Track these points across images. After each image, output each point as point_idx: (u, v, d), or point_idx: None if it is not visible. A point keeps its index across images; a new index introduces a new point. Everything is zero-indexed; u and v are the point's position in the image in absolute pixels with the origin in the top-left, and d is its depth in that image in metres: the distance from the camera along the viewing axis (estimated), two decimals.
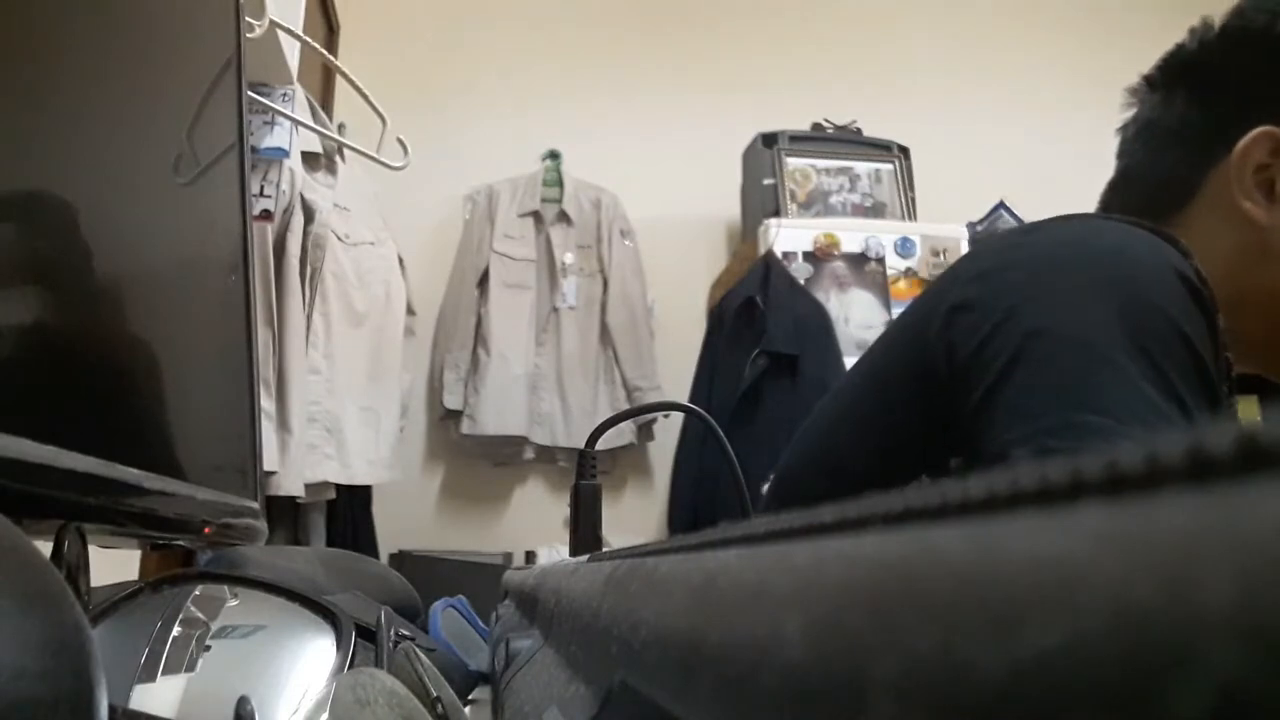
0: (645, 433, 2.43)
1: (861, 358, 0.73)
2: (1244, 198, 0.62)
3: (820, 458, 0.71)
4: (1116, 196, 0.71)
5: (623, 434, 2.33)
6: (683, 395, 2.23)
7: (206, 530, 0.46)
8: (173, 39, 0.50)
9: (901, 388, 0.62)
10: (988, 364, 0.54)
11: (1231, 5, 0.65)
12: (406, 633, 0.57)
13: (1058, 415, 0.50)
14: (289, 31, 1.38)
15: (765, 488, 1.41)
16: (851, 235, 2.22)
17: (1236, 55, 0.63)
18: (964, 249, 2.24)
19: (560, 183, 2.50)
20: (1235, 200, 0.62)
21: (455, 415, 2.34)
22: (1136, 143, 0.70)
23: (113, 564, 0.47)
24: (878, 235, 2.22)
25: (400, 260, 2.02)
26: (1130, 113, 0.71)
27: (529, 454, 2.37)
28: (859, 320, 2.16)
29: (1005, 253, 0.61)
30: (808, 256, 2.19)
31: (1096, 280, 0.55)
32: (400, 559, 2.09)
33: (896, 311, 2.18)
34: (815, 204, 2.35)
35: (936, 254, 2.22)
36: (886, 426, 0.64)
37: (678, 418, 2.34)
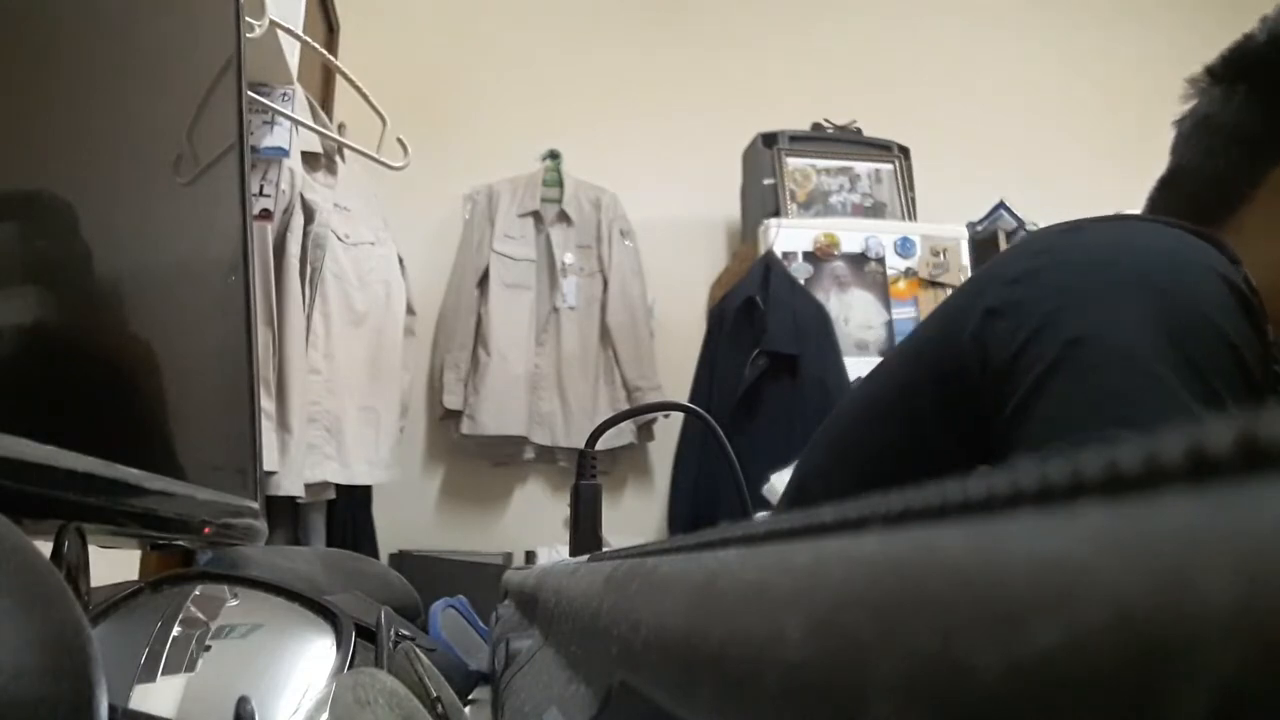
0: (645, 433, 2.43)
1: (889, 356, 0.71)
2: None
3: (846, 457, 0.69)
4: (1165, 195, 0.67)
5: (623, 434, 2.33)
6: (683, 395, 2.23)
7: (206, 530, 0.46)
8: (173, 39, 0.50)
9: (932, 390, 0.60)
10: (1025, 371, 0.52)
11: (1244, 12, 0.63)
12: (406, 633, 0.57)
13: (1095, 430, 0.48)
14: (289, 31, 1.38)
15: (765, 488, 1.40)
16: (851, 235, 2.22)
17: None
18: (964, 249, 2.25)
19: (560, 183, 2.50)
20: None
21: (455, 415, 2.34)
22: (1191, 139, 0.66)
23: (113, 564, 0.47)
24: (878, 235, 2.23)
25: (400, 260, 2.02)
26: (1188, 105, 0.66)
27: (529, 454, 2.37)
28: (859, 320, 2.16)
29: (1045, 254, 0.59)
30: (808, 256, 2.19)
31: (1139, 286, 0.52)
32: (400, 559, 2.09)
33: (896, 312, 2.18)
34: (815, 204, 2.35)
35: (936, 254, 2.22)
36: (914, 428, 0.62)
37: (678, 418, 2.34)
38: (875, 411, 0.67)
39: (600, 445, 0.61)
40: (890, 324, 2.17)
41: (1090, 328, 0.51)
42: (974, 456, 0.56)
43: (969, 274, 2.05)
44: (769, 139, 2.38)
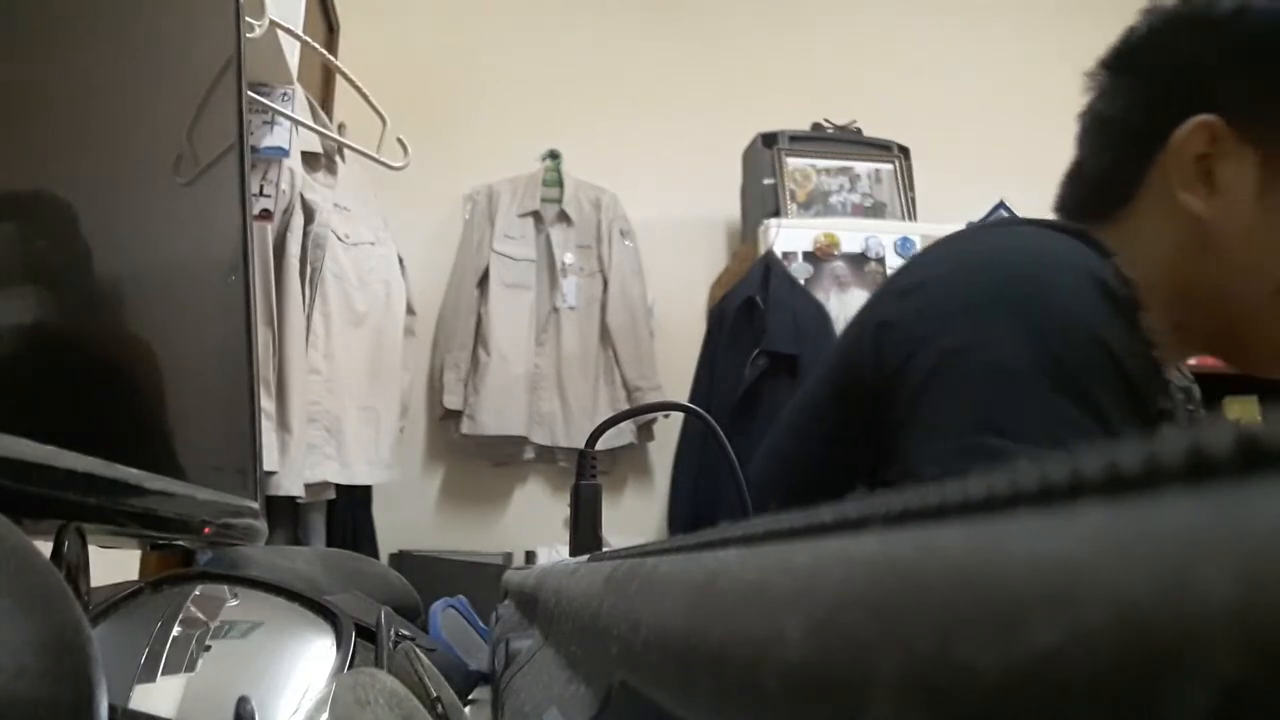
0: (645, 433, 2.43)
1: (810, 371, 0.74)
2: (1182, 189, 0.59)
3: (776, 466, 0.71)
4: (1069, 189, 0.69)
5: (623, 434, 2.33)
6: (683, 395, 2.23)
7: (206, 530, 0.46)
8: (173, 39, 0.50)
9: (836, 402, 0.63)
10: (909, 381, 0.55)
11: None
12: (406, 633, 0.57)
13: (967, 436, 0.51)
14: (289, 31, 1.38)
15: None
16: (851, 235, 2.22)
17: (1178, 40, 0.61)
18: None
19: (560, 183, 2.50)
20: (1176, 193, 0.60)
21: (455, 415, 2.34)
22: (1088, 133, 0.67)
23: (113, 564, 0.47)
24: (878, 235, 2.22)
25: (400, 260, 2.02)
26: (1087, 100, 0.68)
27: (529, 454, 2.37)
28: None
29: (930, 267, 0.62)
30: (808, 256, 2.19)
31: (1011, 294, 0.55)
32: (400, 559, 2.09)
33: None
34: (815, 204, 2.35)
35: None
36: (823, 441, 0.65)
37: (678, 418, 2.33)
38: (796, 423, 0.70)
39: (600, 445, 0.61)
40: None
41: (965, 338, 0.54)
42: (876, 465, 0.58)
43: None
44: (769, 139, 2.38)
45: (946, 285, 0.59)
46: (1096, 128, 0.66)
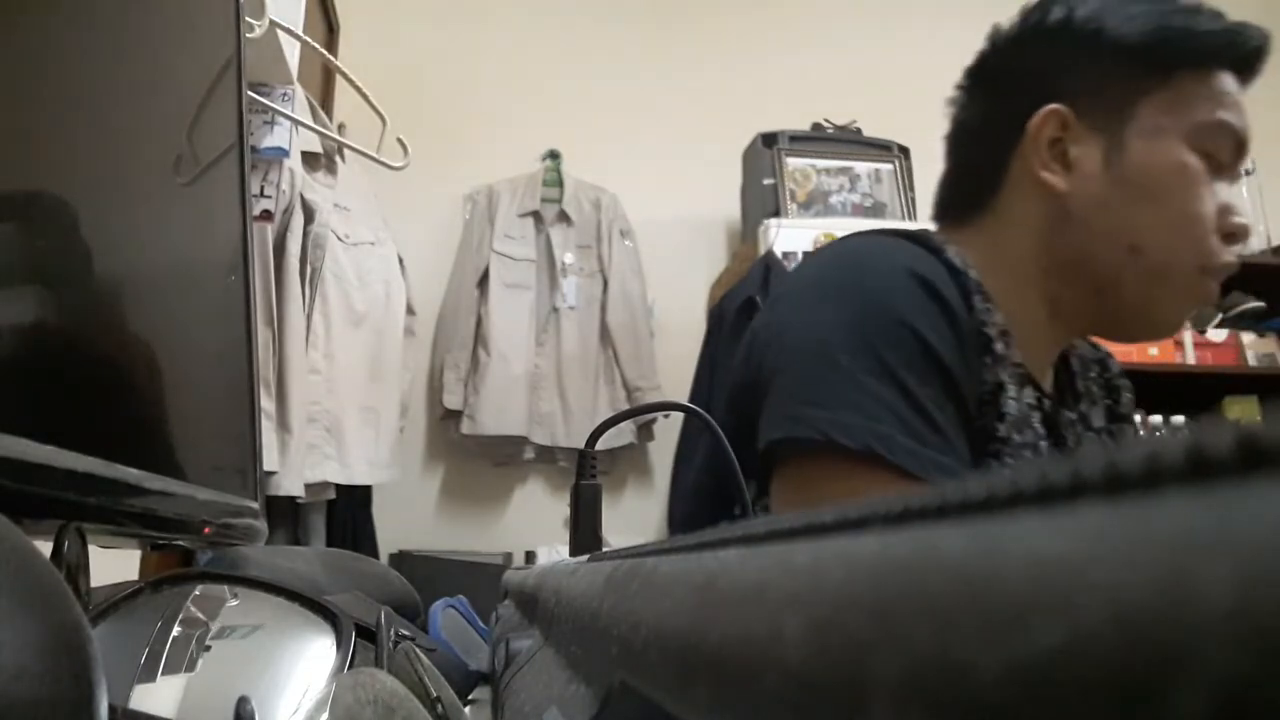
0: (645, 433, 2.43)
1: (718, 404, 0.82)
2: (1042, 169, 0.69)
3: (690, 505, 0.81)
4: (944, 194, 0.79)
5: (623, 434, 2.33)
6: (683, 395, 2.23)
7: (206, 530, 0.46)
8: (173, 39, 0.50)
9: (729, 408, 0.70)
10: (766, 379, 0.64)
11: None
12: (406, 633, 0.57)
13: (789, 407, 0.61)
14: (289, 31, 1.38)
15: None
16: None
17: (1022, 50, 0.71)
18: None
19: (560, 183, 2.50)
20: (1036, 174, 0.69)
21: (455, 415, 2.34)
22: (952, 144, 0.78)
23: (113, 564, 0.47)
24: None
25: (400, 260, 2.02)
26: (952, 113, 0.79)
27: (529, 454, 2.37)
28: None
29: (789, 280, 0.72)
30: (808, 256, 2.19)
31: (838, 294, 0.64)
32: (400, 559, 2.09)
33: None
34: (815, 204, 2.35)
35: None
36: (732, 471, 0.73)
37: (678, 418, 2.33)
38: (711, 457, 0.79)
39: (600, 445, 0.61)
40: None
41: (801, 335, 0.64)
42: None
43: None
44: (769, 139, 2.38)
45: (794, 292, 0.69)
46: (962, 135, 0.76)
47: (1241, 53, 0.67)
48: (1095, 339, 0.82)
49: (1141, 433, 0.90)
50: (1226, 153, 0.67)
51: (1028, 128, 0.69)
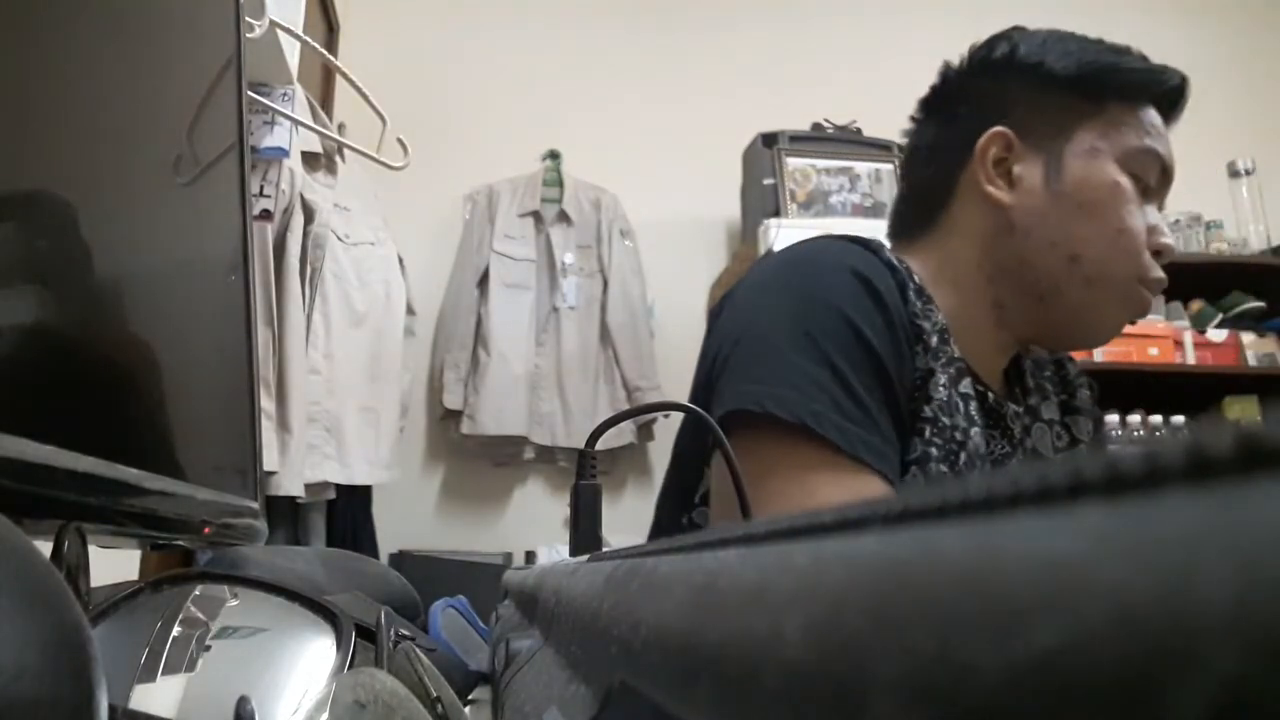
0: (645, 433, 2.43)
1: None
2: (989, 184, 0.75)
3: (666, 512, 0.84)
4: (898, 210, 0.86)
5: (623, 434, 2.33)
6: (683, 395, 2.21)
7: (206, 530, 0.46)
8: (173, 39, 0.50)
9: (696, 400, 0.74)
10: (720, 368, 0.70)
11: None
12: (406, 633, 0.57)
13: (736, 385, 0.67)
14: (289, 31, 1.38)
15: None
16: None
17: (971, 80, 0.80)
18: None
19: (560, 183, 2.50)
20: (983, 189, 0.76)
21: (455, 415, 2.34)
22: (906, 167, 0.86)
23: (113, 564, 0.47)
24: (878, 235, 2.22)
25: (400, 260, 2.02)
26: (906, 143, 0.86)
27: (529, 454, 2.37)
28: None
29: (745, 278, 0.77)
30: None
31: (784, 288, 0.70)
32: (400, 559, 2.09)
33: None
34: (815, 204, 2.35)
35: None
36: (701, 475, 0.80)
37: (677, 418, 2.33)
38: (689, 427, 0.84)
39: (600, 445, 0.61)
40: None
41: (747, 327, 0.70)
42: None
43: None
44: (769, 139, 2.38)
45: (747, 290, 0.74)
46: (915, 157, 0.83)
47: (1162, 89, 0.75)
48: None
49: (1104, 424, 0.94)
50: (1154, 177, 0.74)
51: (975, 148, 0.76)
